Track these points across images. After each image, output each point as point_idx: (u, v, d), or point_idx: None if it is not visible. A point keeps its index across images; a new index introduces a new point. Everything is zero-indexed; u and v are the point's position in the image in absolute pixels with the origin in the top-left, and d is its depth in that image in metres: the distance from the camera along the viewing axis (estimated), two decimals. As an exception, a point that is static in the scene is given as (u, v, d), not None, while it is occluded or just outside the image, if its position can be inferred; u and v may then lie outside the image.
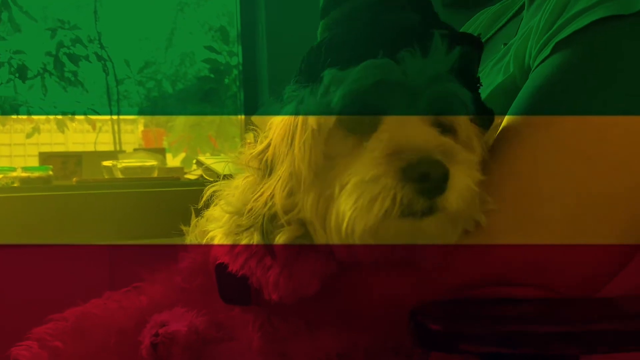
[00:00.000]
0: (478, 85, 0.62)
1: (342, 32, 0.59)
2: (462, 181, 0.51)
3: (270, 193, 0.57)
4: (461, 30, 1.03)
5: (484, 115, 0.61)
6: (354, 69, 0.53)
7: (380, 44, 0.54)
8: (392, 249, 0.54)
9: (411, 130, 0.52)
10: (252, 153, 0.61)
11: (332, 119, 0.54)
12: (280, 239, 0.55)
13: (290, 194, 0.56)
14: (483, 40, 0.95)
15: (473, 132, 0.58)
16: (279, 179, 0.57)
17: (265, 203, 0.57)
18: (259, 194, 0.58)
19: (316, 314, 0.64)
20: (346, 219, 0.51)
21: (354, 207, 0.51)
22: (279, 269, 0.56)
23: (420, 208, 0.50)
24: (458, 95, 0.55)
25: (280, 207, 0.56)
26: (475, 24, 1.05)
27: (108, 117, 2.86)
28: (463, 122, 0.56)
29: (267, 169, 0.59)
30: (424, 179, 0.49)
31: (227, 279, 0.61)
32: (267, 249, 0.56)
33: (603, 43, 0.61)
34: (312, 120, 0.55)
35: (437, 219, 0.51)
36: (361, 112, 0.54)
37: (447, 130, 0.56)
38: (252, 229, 0.58)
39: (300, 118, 0.56)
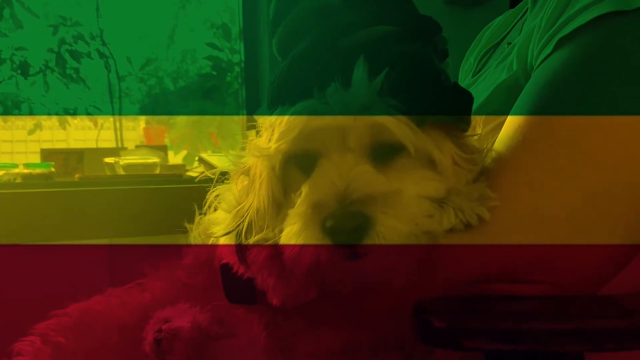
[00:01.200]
0: (442, 78, 0.61)
1: (284, 65, 0.61)
2: (384, 223, 0.51)
3: (249, 207, 0.61)
4: (470, 47, 1.03)
5: (452, 113, 0.60)
6: (286, 113, 0.56)
7: (313, 80, 0.56)
8: (341, 286, 0.56)
9: (339, 173, 0.53)
10: (243, 168, 0.64)
11: (283, 160, 0.57)
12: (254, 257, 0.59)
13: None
14: (491, 45, 0.95)
15: (429, 140, 0.57)
16: (249, 209, 0.61)
17: (243, 215, 0.61)
18: (242, 204, 0.62)
19: (319, 313, 0.64)
20: (292, 261, 0.54)
21: (291, 254, 0.54)
22: (276, 276, 0.57)
23: (344, 255, 0.51)
24: (386, 123, 0.54)
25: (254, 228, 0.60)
26: (482, 40, 1.05)
27: (110, 114, 2.87)
28: (410, 138, 0.55)
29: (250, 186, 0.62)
30: (334, 233, 0.50)
31: (232, 279, 0.62)
32: (239, 256, 0.60)
33: (605, 39, 0.61)
34: (266, 160, 0.58)
35: (373, 259, 0.52)
36: (303, 152, 0.57)
37: (394, 149, 0.56)
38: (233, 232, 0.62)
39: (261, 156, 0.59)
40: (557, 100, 0.61)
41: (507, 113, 0.65)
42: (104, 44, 2.71)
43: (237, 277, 0.61)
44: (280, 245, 0.55)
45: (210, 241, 0.69)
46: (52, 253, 1.51)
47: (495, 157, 0.62)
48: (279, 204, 0.59)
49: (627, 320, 0.51)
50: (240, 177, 0.64)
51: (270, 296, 0.58)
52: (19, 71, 2.56)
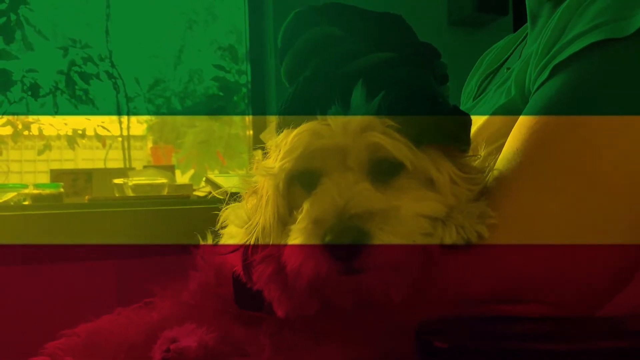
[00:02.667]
0: (440, 100, 0.63)
1: (290, 91, 0.64)
2: (381, 239, 0.53)
3: (256, 224, 0.64)
4: (472, 71, 1.05)
5: (451, 134, 0.62)
6: (290, 134, 0.59)
7: (316, 104, 0.59)
8: (341, 300, 0.58)
9: (339, 192, 0.55)
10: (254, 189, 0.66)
11: (287, 179, 0.60)
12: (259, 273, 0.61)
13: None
14: (492, 69, 0.97)
15: (427, 160, 0.59)
16: (256, 227, 0.64)
17: (251, 232, 0.64)
18: (251, 221, 0.65)
19: (323, 327, 0.66)
20: (294, 275, 0.56)
21: (293, 268, 0.56)
22: (281, 289, 0.59)
23: (343, 269, 0.53)
24: (382, 142, 0.57)
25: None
26: (483, 64, 1.06)
27: (118, 134, 2.89)
28: (407, 156, 0.57)
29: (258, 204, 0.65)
30: (333, 248, 0.52)
31: (242, 287, 0.64)
32: (245, 273, 0.63)
33: (598, 65, 0.62)
34: (272, 179, 0.61)
35: (371, 274, 0.54)
36: (306, 171, 0.59)
37: (394, 168, 0.58)
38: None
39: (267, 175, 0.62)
40: (551, 128, 0.63)
41: (505, 137, 0.67)
42: (112, 65, 2.75)
43: (248, 286, 0.63)
44: (283, 259, 0.57)
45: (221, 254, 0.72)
46: (61, 273, 1.53)
47: (495, 177, 0.64)
48: (284, 222, 0.61)
49: (626, 341, 0.52)
50: (250, 196, 0.67)
51: (275, 308, 0.60)
52: (29, 92, 2.59)
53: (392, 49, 0.63)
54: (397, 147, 0.57)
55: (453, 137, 0.62)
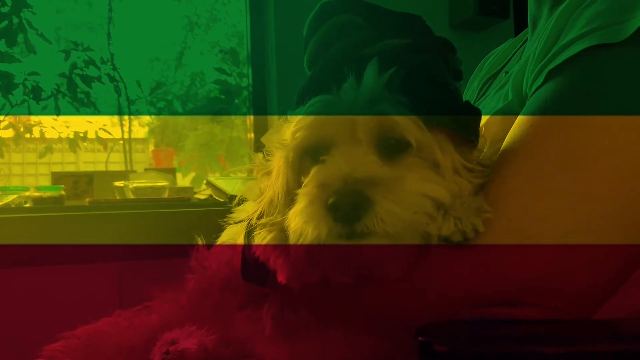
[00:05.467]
0: (452, 88, 0.64)
1: (313, 70, 0.66)
2: (383, 206, 0.54)
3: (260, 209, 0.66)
4: (473, 75, 1.06)
5: (460, 122, 0.63)
6: (302, 107, 0.61)
7: (333, 80, 0.60)
8: (339, 267, 0.59)
9: (347, 161, 0.57)
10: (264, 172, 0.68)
11: (297, 150, 0.62)
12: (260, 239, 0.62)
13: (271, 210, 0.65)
14: (492, 73, 0.98)
15: (434, 141, 0.60)
16: (263, 200, 0.66)
17: (254, 216, 0.66)
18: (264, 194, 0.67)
19: (325, 309, 0.67)
20: (295, 237, 0.57)
21: (295, 229, 0.57)
22: (284, 256, 0.60)
23: (344, 233, 0.54)
24: (391, 116, 0.58)
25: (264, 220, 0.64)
26: (484, 68, 1.07)
27: (119, 136, 2.90)
28: (414, 134, 0.58)
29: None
30: (336, 209, 0.54)
31: (250, 260, 0.65)
32: (247, 239, 0.65)
33: (592, 71, 0.62)
34: (284, 151, 0.63)
35: (371, 240, 0.55)
36: (317, 143, 0.61)
37: (403, 146, 0.59)
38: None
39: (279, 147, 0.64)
40: (547, 129, 0.63)
41: (502, 141, 0.67)
42: (114, 68, 2.76)
43: (254, 258, 0.63)
44: (286, 222, 0.59)
45: (230, 224, 0.74)
46: (62, 275, 1.53)
47: (491, 178, 0.64)
48: (293, 194, 0.61)
49: (623, 344, 0.52)
50: (263, 176, 0.68)
51: (278, 275, 0.61)
52: (31, 95, 2.60)
53: (409, 37, 0.64)
54: (404, 121, 0.58)
55: (461, 125, 0.63)
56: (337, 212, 0.54)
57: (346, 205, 0.53)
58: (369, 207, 0.53)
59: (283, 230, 0.60)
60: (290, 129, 0.62)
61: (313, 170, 0.58)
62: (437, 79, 0.63)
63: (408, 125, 0.58)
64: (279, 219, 0.62)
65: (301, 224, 0.56)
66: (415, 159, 0.59)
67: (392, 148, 0.59)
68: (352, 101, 0.59)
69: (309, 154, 0.62)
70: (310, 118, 0.60)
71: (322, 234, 0.55)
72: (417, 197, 0.56)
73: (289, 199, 0.62)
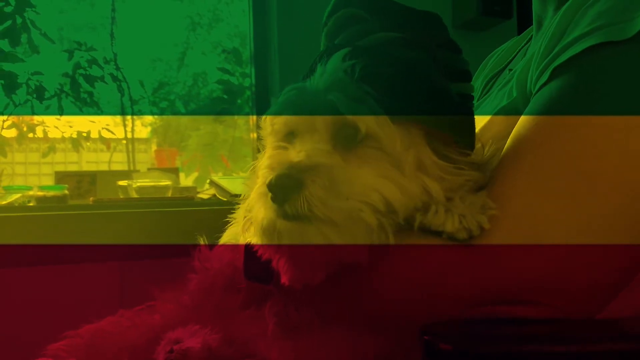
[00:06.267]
0: (433, 85, 0.62)
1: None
2: (311, 190, 0.55)
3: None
4: (476, 73, 1.05)
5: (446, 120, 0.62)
6: (277, 96, 0.63)
7: (314, 68, 0.62)
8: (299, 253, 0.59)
9: (299, 149, 0.59)
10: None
11: (272, 139, 0.65)
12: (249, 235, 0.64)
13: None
14: (496, 71, 0.97)
15: (396, 135, 0.59)
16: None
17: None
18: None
19: (327, 308, 0.66)
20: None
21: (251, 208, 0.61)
22: (286, 256, 0.60)
23: (280, 213, 0.57)
24: (338, 104, 0.58)
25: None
26: (487, 66, 1.06)
27: (122, 136, 2.90)
28: (369, 124, 0.58)
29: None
30: (271, 190, 0.57)
31: (252, 258, 0.65)
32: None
33: (597, 68, 0.62)
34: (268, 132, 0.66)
35: (305, 221, 0.56)
36: (288, 132, 0.63)
37: (360, 136, 0.59)
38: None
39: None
40: (551, 128, 0.63)
41: (506, 139, 0.66)
42: (117, 68, 2.76)
43: (257, 256, 0.63)
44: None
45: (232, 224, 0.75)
46: (65, 274, 1.53)
47: (495, 177, 0.63)
48: None
49: (629, 344, 0.52)
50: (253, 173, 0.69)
51: (282, 277, 0.61)
52: (34, 95, 2.60)
53: (408, 34, 0.64)
54: (356, 110, 0.58)
55: (443, 123, 0.61)
56: (273, 194, 0.56)
57: (277, 186, 0.56)
58: (298, 189, 0.55)
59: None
60: (267, 120, 0.65)
61: (267, 155, 0.62)
62: (419, 75, 0.62)
63: (360, 114, 0.58)
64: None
65: (253, 205, 0.60)
66: (374, 151, 0.59)
67: (350, 138, 0.59)
68: (314, 91, 0.60)
69: (285, 143, 0.63)
70: (283, 107, 0.62)
71: (265, 215, 0.58)
72: (363, 190, 0.56)
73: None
